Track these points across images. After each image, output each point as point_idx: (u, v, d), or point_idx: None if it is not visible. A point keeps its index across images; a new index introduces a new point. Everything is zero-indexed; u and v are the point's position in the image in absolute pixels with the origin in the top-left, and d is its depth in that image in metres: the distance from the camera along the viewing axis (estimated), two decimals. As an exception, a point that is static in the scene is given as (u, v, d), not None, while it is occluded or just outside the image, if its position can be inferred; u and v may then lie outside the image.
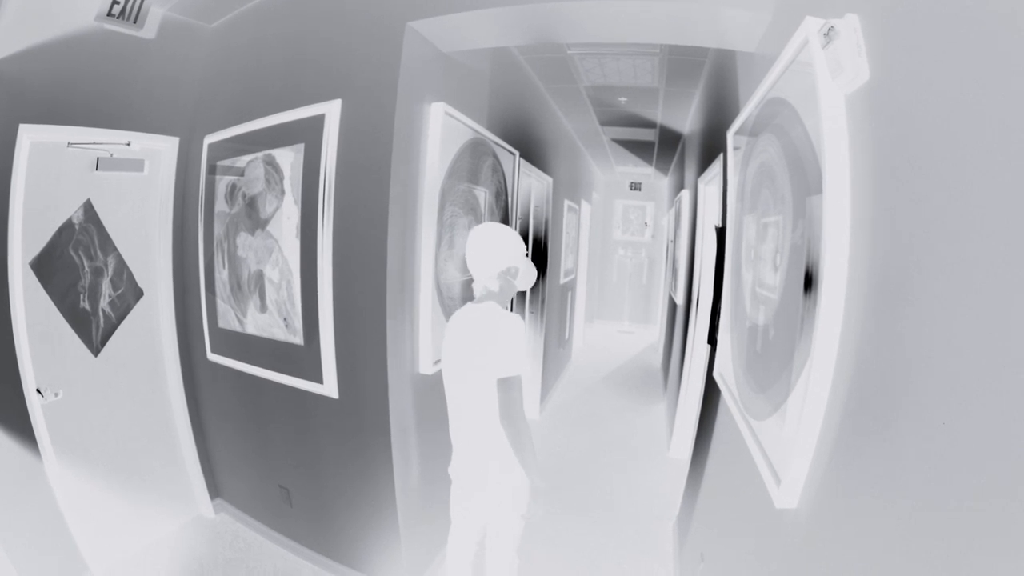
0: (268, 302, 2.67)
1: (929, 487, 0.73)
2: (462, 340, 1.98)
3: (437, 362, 2.64)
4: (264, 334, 2.72)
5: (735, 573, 1.70)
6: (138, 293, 2.87)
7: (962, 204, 0.71)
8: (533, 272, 2.07)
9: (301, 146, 2.45)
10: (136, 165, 2.71)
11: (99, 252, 2.65)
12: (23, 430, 2.30)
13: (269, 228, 2.61)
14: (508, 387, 1.81)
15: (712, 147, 3.31)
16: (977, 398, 0.65)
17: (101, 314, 2.69)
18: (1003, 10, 0.65)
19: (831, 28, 1.06)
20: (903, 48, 0.89)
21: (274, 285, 2.62)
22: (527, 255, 2.07)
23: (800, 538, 1.16)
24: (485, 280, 1.99)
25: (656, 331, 7.38)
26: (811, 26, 1.16)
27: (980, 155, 0.68)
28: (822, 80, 1.11)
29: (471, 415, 1.96)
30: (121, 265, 2.77)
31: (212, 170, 2.87)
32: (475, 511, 2.08)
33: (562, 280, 6.36)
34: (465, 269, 2.93)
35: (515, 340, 1.85)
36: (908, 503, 0.77)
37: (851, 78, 1.02)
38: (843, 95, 1.09)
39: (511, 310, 2.01)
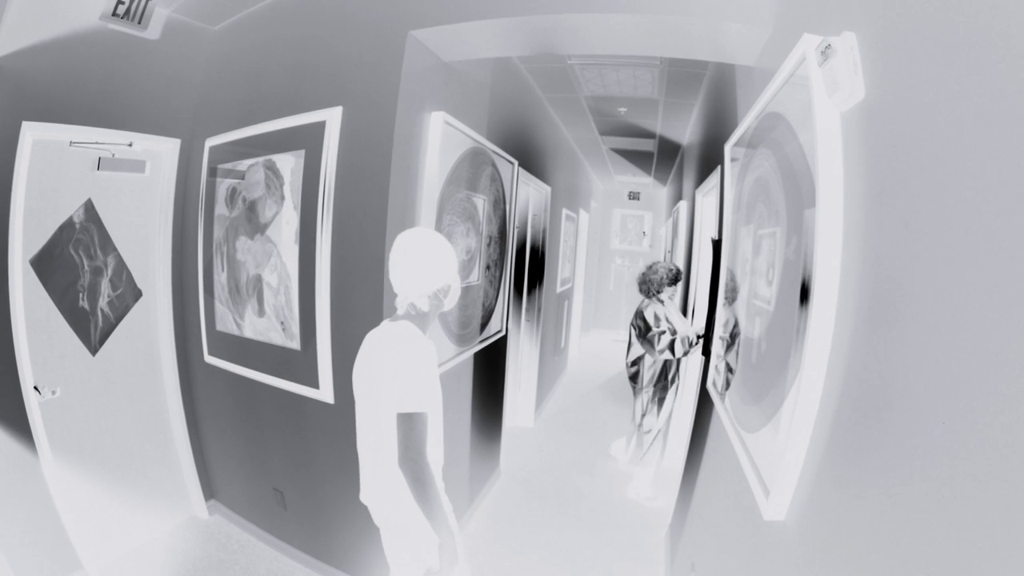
0: (266, 306, 2.67)
1: (916, 499, 0.73)
2: (370, 365, 1.74)
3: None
4: (261, 338, 2.72)
5: (727, 584, 1.70)
6: (137, 293, 2.87)
7: (953, 221, 0.72)
8: (459, 292, 1.85)
9: (302, 152, 2.46)
10: (137, 166, 2.71)
11: (99, 252, 2.65)
12: (20, 427, 2.30)
13: (268, 233, 2.62)
14: (408, 424, 1.57)
15: (710, 158, 3.33)
16: (965, 410, 0.66)
17: (100, 313, 2.69)
18: (998, 31, 0.66)
19: (828, 46, 1.07)
20: (899, 67, 0.91)
21: (272, 290, 2.63)
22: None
23: (788, 550, 1.17)
24: (415, 298, 1.73)
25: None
26: (809, 43, 1.18)
27: (972, 173, 0.69)
28: (818, 97, 1.12)
29: (379, 451, 1.72)
30: (120, 265, 2.77)
31: (213, 173, 2.89)
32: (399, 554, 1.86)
33: (559, 289, 6.37)
34: (463, 275, 2.93)
35: (419, 371, 1.62)
36: (895, 516, 0.78)
37: (847, 96, 1.04)
38: (838, 112, 1.10)
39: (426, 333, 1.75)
